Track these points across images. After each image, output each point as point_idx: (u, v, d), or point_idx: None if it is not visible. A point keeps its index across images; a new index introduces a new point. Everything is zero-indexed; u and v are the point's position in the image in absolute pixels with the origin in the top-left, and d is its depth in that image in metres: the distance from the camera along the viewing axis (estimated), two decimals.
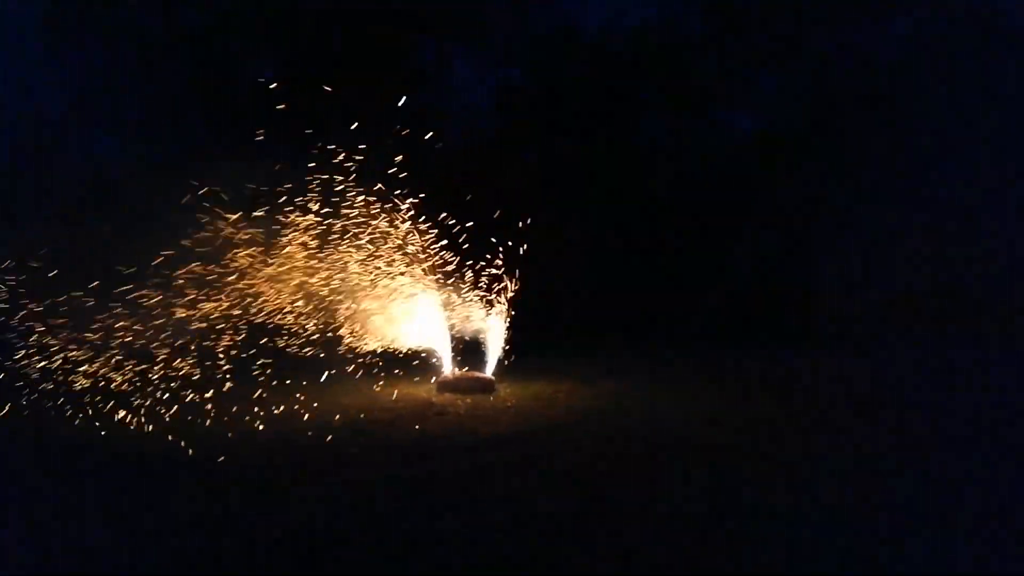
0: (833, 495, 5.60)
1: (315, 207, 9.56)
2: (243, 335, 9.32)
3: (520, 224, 11.64)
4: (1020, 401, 8.97)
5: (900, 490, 5.77)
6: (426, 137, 11.18)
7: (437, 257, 10.40)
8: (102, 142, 16.56)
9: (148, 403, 8.44)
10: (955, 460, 6.55)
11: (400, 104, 10.80)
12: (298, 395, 9.25)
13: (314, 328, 9.81)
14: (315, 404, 9.06)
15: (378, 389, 10.21)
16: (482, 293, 10.88)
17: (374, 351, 10.44)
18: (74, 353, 8.61)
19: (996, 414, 8.36)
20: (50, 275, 8.92)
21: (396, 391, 10.14)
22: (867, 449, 7.00)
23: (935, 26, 16.86)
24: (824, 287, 15.63)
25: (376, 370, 10.59)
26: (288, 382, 9.66)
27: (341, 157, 9.73)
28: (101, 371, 8.66)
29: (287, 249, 9.56)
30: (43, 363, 8.60)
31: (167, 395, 8.60)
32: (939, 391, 9.90)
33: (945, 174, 15.33)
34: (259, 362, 9.49)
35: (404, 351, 10.74)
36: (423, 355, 10.99)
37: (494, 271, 10.95)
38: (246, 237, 9.29)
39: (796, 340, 14.23)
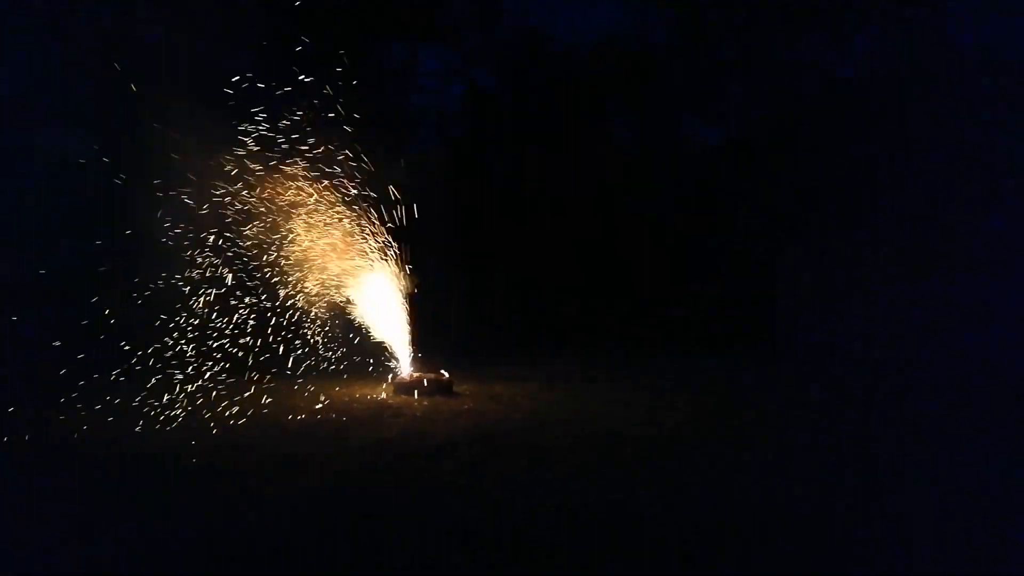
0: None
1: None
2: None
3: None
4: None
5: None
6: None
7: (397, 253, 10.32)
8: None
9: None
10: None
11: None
12: (247, 396, 9.01)
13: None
14: (266, 406, 8.83)
15: (335, 390, 9.97)
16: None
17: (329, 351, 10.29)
18: None
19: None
20: None
21: (352, 393, 9.93)
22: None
23: (901, 43, 17.09)
24: (794, 298, 15.67)
25: (332, 370, 10.41)
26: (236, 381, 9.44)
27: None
28: None
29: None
30: None
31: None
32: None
33: (916, 187, 15.43)
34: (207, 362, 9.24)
35: (360, 350, 10.59)
36: (380, 355, 10.83)
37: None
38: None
39: (766, 351, 14.23)
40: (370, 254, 10.29)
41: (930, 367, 12.19)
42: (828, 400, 9.74)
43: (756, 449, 7.09)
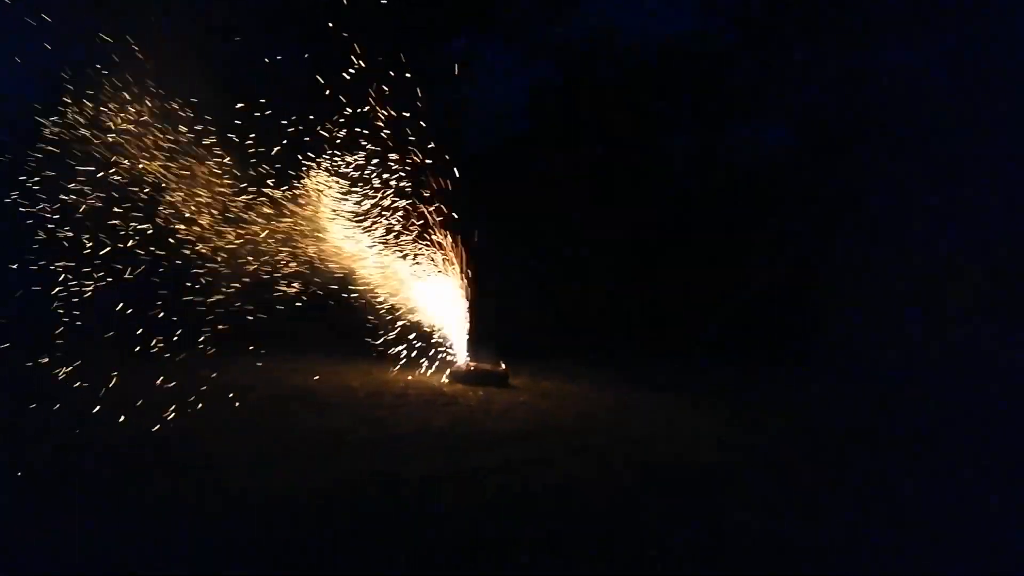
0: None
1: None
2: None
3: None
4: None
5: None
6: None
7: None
8: None
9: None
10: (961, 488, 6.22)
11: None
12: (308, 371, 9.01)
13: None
14: (322, 382, 8.82)
15: (392, 373, 10.06)
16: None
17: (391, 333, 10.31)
18: None
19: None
20: None
21: (409, 377, 10.00)
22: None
23: (969, 52, 16.41)
24: (839, 308, 15.21)
25: (391, 355, 10.43)
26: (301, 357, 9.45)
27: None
28: None
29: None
30: None
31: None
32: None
33: (971, 199, 14.89)
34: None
35: (422, 336, 10.51)
36: (440, 343, 10.79)
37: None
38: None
39: (809, 361, 13.76)
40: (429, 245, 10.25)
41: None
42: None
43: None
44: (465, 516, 4.95)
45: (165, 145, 8.41)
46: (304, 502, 5.06)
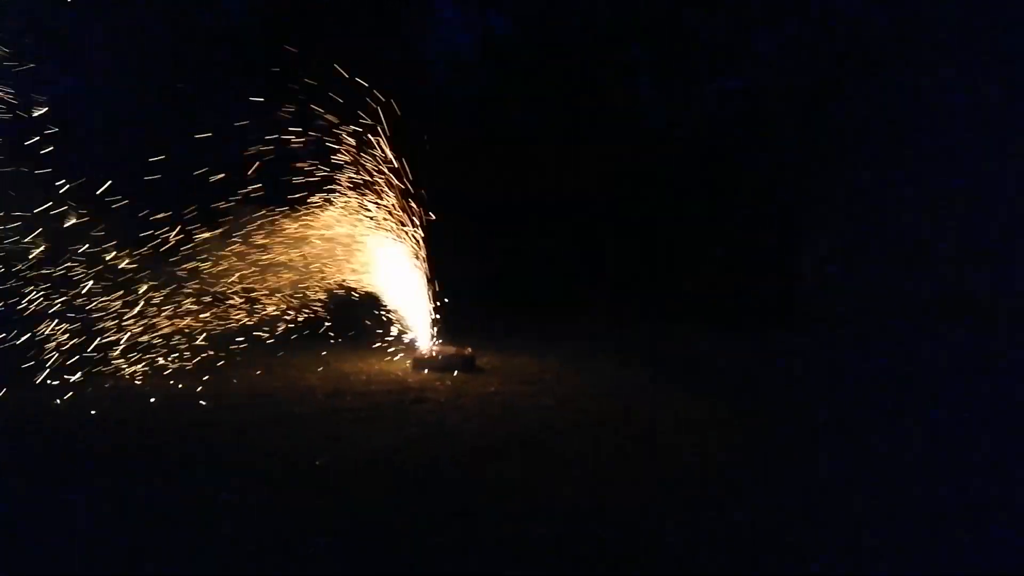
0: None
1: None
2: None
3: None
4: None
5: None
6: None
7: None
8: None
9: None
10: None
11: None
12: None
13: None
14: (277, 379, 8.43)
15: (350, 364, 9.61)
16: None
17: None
18: None
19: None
20: None
21: (370, 368, 9.56)
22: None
23: None
24: (810, 269, 15.15)
25: (346, 341, 10.00)
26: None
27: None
28: None
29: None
30: None
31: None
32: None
33: (946, 152, 14.79)
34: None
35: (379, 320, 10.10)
36: (399, 327, 10.41)
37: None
38: None
39: (782, 325, 13.76)
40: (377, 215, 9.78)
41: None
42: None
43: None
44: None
45: None
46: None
